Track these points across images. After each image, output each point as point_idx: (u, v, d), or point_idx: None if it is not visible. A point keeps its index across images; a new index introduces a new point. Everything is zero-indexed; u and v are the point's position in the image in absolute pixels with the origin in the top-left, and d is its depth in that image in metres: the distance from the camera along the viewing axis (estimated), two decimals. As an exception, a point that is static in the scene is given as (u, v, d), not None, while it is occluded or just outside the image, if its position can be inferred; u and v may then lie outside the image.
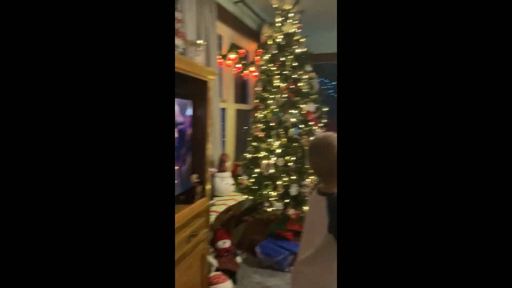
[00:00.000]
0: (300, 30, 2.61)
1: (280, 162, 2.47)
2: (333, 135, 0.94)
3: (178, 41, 1.35)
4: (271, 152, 2.51)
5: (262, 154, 2.53)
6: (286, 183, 2.45)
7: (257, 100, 2.73)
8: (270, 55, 2.61)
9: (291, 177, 2.44)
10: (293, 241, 2.37)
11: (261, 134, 2.60)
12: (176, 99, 1.37)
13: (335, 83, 4.39)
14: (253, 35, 3.17)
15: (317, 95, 2.60)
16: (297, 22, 2.60)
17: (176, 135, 1.39)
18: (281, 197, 2.47)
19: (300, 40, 2.61)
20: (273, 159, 2.49)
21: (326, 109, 2.67)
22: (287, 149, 2.51)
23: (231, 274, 1.92)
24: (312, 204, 1.01)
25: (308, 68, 2.61)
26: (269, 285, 2.09)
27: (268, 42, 2.65)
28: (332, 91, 4.53)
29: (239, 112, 3.24)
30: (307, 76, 2.57)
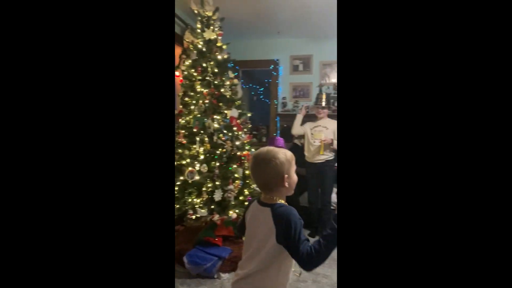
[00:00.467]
0: (220, 37, 2.65)
1: (204, 168, 2.45)
2: (275, 149, 1.01)
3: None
4: (195, 158, 2.48)
5: (185, 161, 2.48)
6: (210, 189, 2.45)
7: (181, 106, 2.68)
8: (191, 61, 2.59)
9: (216, 183, 2.45)
10: (222, 247, 2.37)
11: (184, 141, 2.55)
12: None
13: (262, 89, 4.58)
14: (178, 39, 3.11)
15: (240, 101, 2.67)
16: (218, 29, 2.63)
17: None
18: (206, 204, 2.45)
19: (223, 47, 2.65)
20: (197, 166, 2.46)
21: (249, 114, 2.76)
22: (211, 155, 2.50)
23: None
24: (254, 215, 1.04)
25: (231, 74, 2.67)
26: (196, 294, 2.05)
27: (190, 47, 2.63)
28: (262, 96, 4.71)
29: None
30: (229, 83, 2.61)
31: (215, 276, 2.25)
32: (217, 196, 2.41)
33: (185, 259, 2.26)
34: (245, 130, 2.71)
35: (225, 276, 2.27)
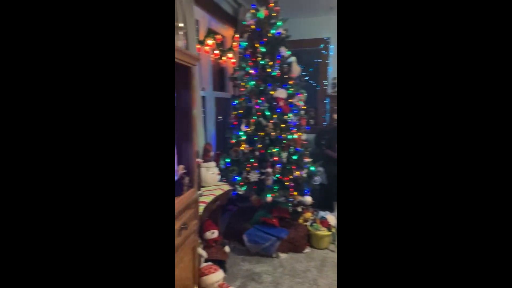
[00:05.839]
0: (275, 14, 2.56)
1: (247, 149, 2.47)
2: None
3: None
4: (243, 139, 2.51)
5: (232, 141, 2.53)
6: (248, 170, 2.46)
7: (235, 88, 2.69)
8: (247, 42, 2.56)
9: (253, 164, 2.46)
10: (279, 228, 2.40)
11: (235, 122, 2.58)
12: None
13: (311, 69, 4.43)
14: (230, 20, 3.08)
15: (293, 80, 2.58)
16: (273, 6, 2.55)
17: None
18: (246, 183, 2.49)
19: (277, 24, 2.57)
20: (245, 146, 2.49)
21: (303, 93, 2.65)
22: (253, 137, 2.50)
23: (220, 264, 1.90)
24: None
25: (285, 51, 2.56)
26: (257, 271, 2.11)
27: (245, 27, 2.59)
28: (308, 77, 4.56)
29: (218, 100, 3.17)
30: (278, 62, 2.53)
31: (274, 256, 2.29)
32: (253, 177, 2.42)
33: (244, 238, 2.33)
34: (301, 112, 2.65)
35: (283, 256, 2.31)
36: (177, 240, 1.35)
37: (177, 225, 1.35)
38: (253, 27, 2.50)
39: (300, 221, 2.56)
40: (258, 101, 2.50)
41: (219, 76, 3.29)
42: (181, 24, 1.45)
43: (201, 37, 2.58)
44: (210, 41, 2.61)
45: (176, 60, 1.32)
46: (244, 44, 2.57)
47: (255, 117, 2.48)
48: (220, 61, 3.00)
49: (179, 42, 1.47)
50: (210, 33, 2.63)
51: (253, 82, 2.50)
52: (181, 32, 1.46)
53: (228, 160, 2.55)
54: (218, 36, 2.79)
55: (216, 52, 2.80)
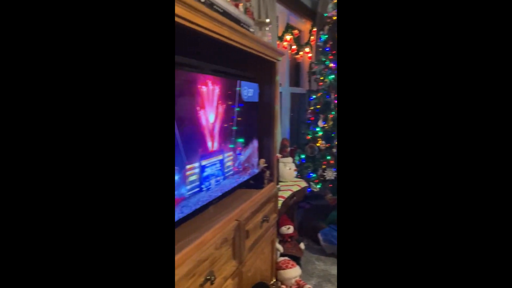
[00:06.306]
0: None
1: (324, 145, 2.36)
2: None
3: (248, 20, 1.29)
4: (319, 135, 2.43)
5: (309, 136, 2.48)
6: (324, 167, 2.35)
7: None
8: (327, 35, 2.46)
9: (330, 162, 2.33)
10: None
11: (312, 118, 2.51)
12: (243, 82, 1.34)
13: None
14: (308, 14, 3.01)
15: None
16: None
17: (241, 119, 1.36)
18: (321, 181, 2.39)
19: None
20: (321, 143, 2.40)
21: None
22: (331, 133, 2.38)
23: (295, 260, 1.89)
24: None
25: None
26: (334, 273, 2.04)
27: (326, 19, 2.49)
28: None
29: (293, 96, 3.15)
30: None
31: (350, 258, 2.18)
32: (329, 174, 2.30)
33: (320, 236, 2.27)
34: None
35: (361, 260, 2.17)
36: (259, 232, 1.38)
37: (259, 217, 1.39)
38: (335, 18, 2.39)
39: (380, 225, 2.37)
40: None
41: (295, 71, 3.26)
42: (267, 20, 1.47)
43: (280, 33, 2.59)
44: (288, 37, 2.60)
45: (262, 55, 1.34)
46: (324, 37, 2.48)
47: (334, 113, 2.38)
48: (296, 56, 2.97)
49: (265, 38, 1.49)
50: (289, 28, 2.61)
51: (332, 76, 2.41)
52: (267, 28, 1.48)
53: (303, 156, 2.51)
54: (295, 31, 2.77)
55: (294, 47, 2.78)
